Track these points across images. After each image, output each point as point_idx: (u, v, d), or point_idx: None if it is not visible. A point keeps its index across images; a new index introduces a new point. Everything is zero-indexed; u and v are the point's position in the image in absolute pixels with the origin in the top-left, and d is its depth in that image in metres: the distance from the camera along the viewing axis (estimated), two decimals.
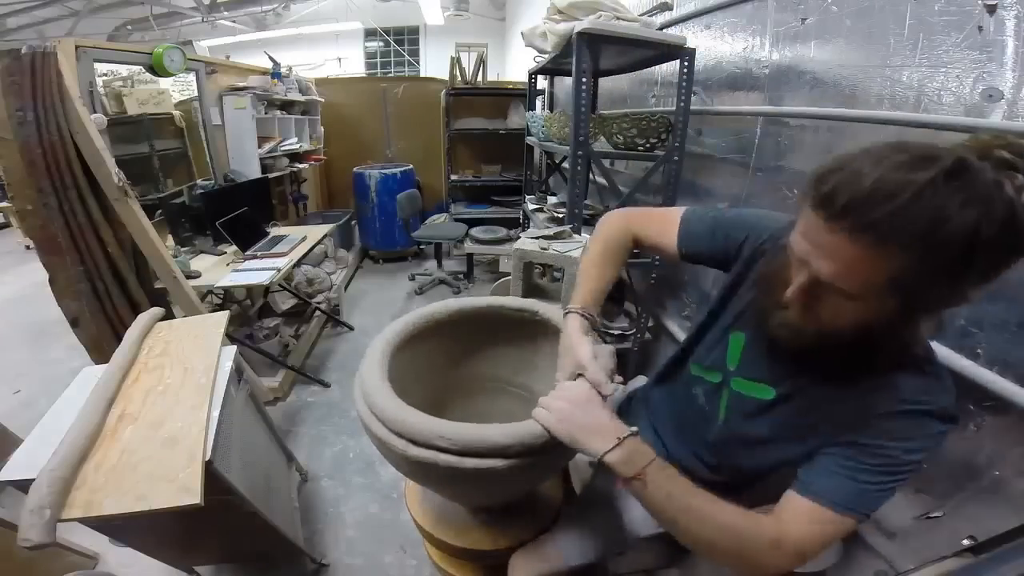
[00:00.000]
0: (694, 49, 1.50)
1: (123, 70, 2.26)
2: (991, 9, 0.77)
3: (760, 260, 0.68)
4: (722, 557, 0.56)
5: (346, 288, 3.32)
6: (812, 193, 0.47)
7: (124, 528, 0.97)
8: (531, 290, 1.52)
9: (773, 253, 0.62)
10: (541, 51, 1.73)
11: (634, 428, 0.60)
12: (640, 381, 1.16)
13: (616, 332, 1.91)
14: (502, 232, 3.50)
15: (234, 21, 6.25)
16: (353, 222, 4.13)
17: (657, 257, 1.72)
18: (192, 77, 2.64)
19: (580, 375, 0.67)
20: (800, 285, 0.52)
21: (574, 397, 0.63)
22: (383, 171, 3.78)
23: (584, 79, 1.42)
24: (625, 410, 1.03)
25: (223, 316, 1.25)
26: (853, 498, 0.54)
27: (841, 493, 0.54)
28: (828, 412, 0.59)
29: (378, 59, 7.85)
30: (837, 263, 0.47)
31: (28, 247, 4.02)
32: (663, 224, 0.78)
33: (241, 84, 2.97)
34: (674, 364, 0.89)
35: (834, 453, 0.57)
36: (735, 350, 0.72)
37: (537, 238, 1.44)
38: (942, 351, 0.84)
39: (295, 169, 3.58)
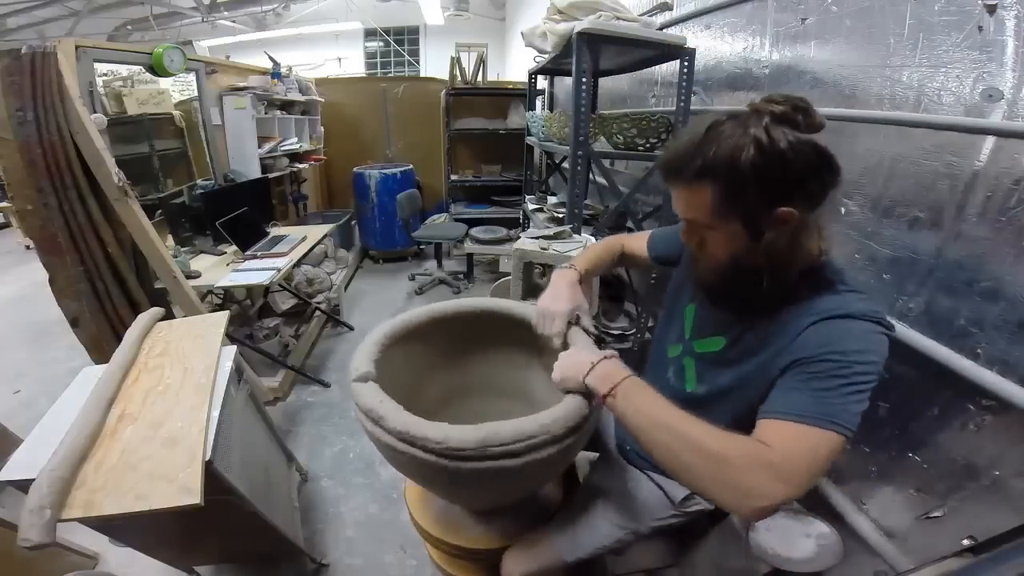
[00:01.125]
0: (694, 49, 1.50)
1: (123, 70, 2.26)
2: (991, 9, 0.77)
3: None
4: (703, 481, 0.54)
5: (346, 288, 3.32)
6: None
7: (124, 528, 0.98)
8: (531, 290, 1.52)
9: None
10: (541, 51, 1.73)
11: (613, 353, 0.70)
12: None
13: (616, 332, 1.91)
14: (502, 232, 3.50)
15: (234, 21, 6.25)
16: (353, 222, 4.13)
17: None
18: (192, 77, 2.64)
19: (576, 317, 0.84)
20: (683, 229, 0.71)
21: (567, 353, 0.76)
22: (383, 171, 3.78)
23: (584, 79, 1.42)
24: None
25: (223, 316, 1.25)
26: (816, 407, 0.54)
27: (803, 405, 0.55)
28: (768, 347, 0.66)
29: (378, 59, 7.86)
30: (681, 204, 0.67)
31: (28, 247, 4.02)
32: (640, 239, 1.02)
33: (241, 84, 2.97)
34: (655, 356, 0.96)
35: (784, 378, 0.61)
36: (689, 320, 0.84)
37: (537, 238, 1.44)
38: (941, 351, 0.84)
39: (295, 169, 3.58)
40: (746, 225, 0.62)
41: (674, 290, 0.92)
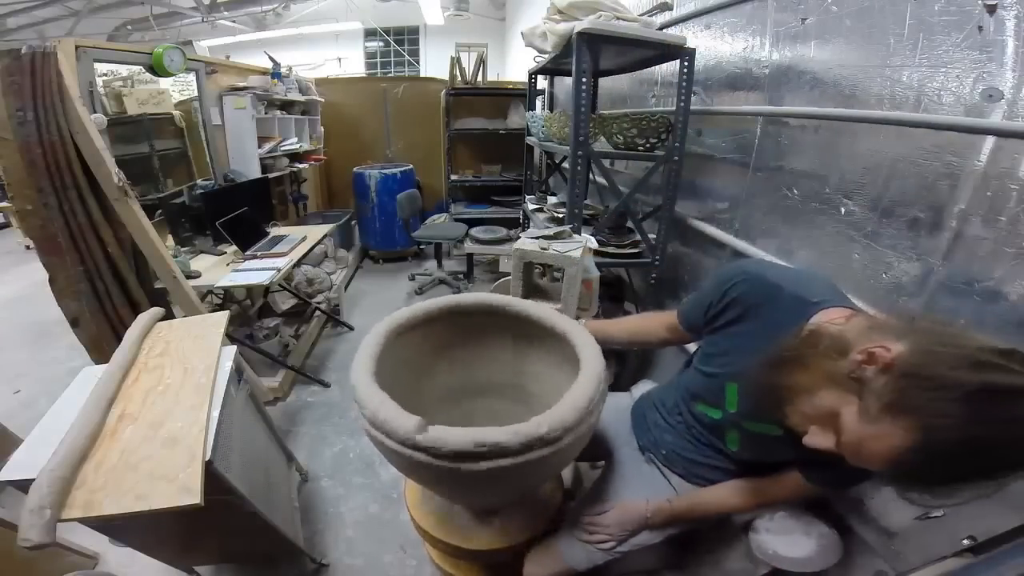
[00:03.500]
0: (694, 49, 1.50)
1: (123, 70, 2.26)
2: (991, 9, 0.77)
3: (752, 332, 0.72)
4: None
5: (346, 288, 3.32)
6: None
7: (124, 528, 0.98)
8: (531, 290, 1.52)
9: (776, 356, 0.61)
10: (541, 51, 1.72)
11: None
12: (647, 386, 1.17)
13: None
14: (502, 232, 3.50)
15: (234, 21, 6.25)
16: (353, 222, 4.13)
17: (657, 258, 1.73)
18: (192, 77, 2.64)
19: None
20: (820, 447, 0.55)
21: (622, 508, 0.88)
22: (383, 171, 3.78)
23: (584, 79, 1.42)
24: (636, 413, 1.08)
25: (223, 316, 1.25)
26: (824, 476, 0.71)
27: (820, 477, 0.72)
28: None
29: (378, 59, 7.86)
30: (843, 421, 0.52)
31: (28, 247, 4.01)
32: (671, 318, 0.92)
33: (241, 84, 2.97)
34: (671, 391, 0.97)
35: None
36: (732, 396, 0.78)
37: (537, 238, 1.44)
38: None
39: (295, 169, 3.58)
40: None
41: (714, 352, 0.82)
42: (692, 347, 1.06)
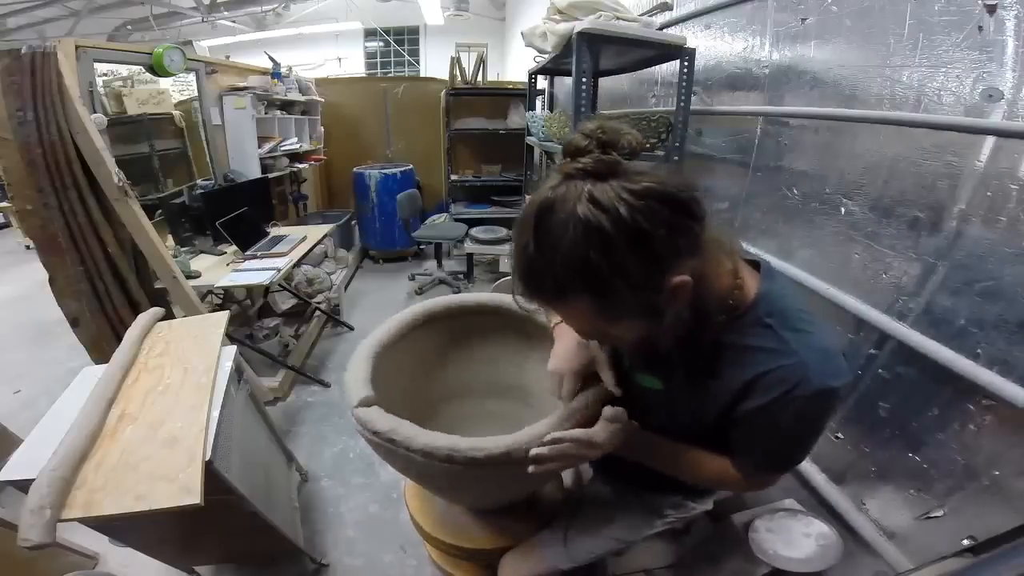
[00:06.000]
0: (694, 49, 1.50)
1: (123, 70, 2.26)
2: (991, 9, 0.77)
3: None
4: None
5: (346, 288, 3.32)
6: None
7: (124, 528, 0.98)
8: None
9: None
10: (541, 51, 1.72)
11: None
12: None
13: None
14: (502, 232, 3.50)
15: (234, 21, 6.25)
16: (353, 222, 4.13)
17: None
18: (192, 77, 2.64)
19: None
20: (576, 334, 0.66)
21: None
22: (383, 171, 3.78)
23: (584, 79, 1.42)
24: None
25: (223, 316, 1.25)
26: (764, 458, 0.64)
27: (757, 459, 0.65)
28: (698, 406, 0.65)
29: (378, 59, 7.86)
30: (563, 319, 0.59)
31: (28, 247, 4.02)
32: None
33: (241, 84, 2.97)
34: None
35: (737, 428, 0.62)
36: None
37: None
38: (941, 351, 0.84)
39: (295, 169, 3.58)
40: (642, 315, 0.51)
41: None
42: None
